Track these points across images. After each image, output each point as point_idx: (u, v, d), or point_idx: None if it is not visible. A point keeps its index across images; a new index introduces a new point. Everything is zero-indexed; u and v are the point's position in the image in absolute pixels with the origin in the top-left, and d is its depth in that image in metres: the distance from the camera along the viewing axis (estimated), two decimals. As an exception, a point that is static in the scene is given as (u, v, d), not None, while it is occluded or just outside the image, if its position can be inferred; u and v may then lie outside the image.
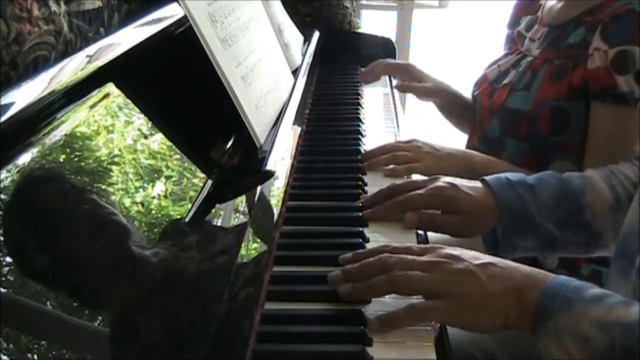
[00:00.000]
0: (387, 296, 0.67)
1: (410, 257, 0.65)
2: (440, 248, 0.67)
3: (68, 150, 0.56)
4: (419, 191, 0.83)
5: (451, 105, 1.34)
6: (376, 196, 0.86)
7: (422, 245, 0.69)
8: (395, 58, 1.62)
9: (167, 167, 0.68)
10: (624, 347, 0.53)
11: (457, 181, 0.83)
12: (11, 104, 0.50)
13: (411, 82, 1.34)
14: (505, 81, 1.13)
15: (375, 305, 0.67)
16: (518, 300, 0.61)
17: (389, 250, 0.68)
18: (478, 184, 0.84)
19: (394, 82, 1.43)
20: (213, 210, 0.70)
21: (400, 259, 0.65)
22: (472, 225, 0.82)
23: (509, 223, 0.81)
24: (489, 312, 0.62)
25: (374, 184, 0.95)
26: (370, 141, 1.12)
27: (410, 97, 1.40)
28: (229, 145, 0.82)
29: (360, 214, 0.84)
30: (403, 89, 1.35)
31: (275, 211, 0.81)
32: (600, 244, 0.83)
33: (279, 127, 0.89)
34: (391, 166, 1.00)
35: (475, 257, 0.65)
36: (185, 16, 0.78)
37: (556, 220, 0.81)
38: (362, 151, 1.06)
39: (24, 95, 0.53)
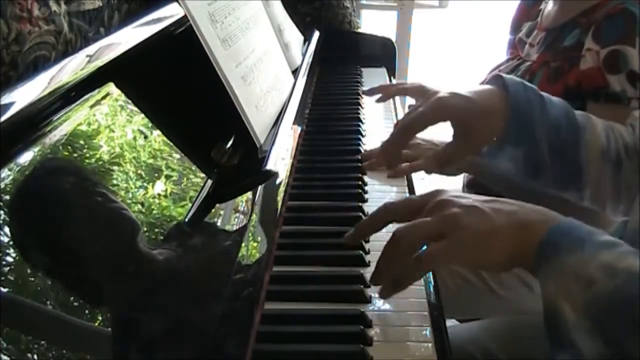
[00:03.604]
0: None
1: (418, 221, 0.61)
2: (442, 192, 0.63)
3: (68, 150, 0.56)
4: (419, 109, 0.78)
5: None
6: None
7: (423, 195, 0.65)
8: (395, 58, 1.62)
9: (167, 166, 0.68)
10: (627, 295, 0.51)
11: (460, 89, 0.78)
12: (11, 104, 0.51)
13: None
14: None
15: (375, 304, 0.67)
16: (525, 234, 0.58)
17: (391, 208, 0.65)
18: (488, 86, 0.80)
19: (394, 82, 1.43)
20: (213, 210, 0.70)
21: (411, 227, 0.60)
22: (483, 133, 0.78)
23: (511, 123, 0.77)
24: (495, 245, 0.58)
25: (374, 183, 0.95)
26: (370, 141, 1.12)
27: (410, 97, 1.39)
28: (229, 145, 0.82)
29: (360, 213, 0.84)
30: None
31: (275, 211, 0.81)
32: (579, 184, 0.80)
33: (279, 127, 0.89)
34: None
35: (478, 197, 0.62)
36: (185, 16, 0.78)
37: (552, 142, 0.78)
38: (362, 151, 1.06)
39: (24, 95, 0.53)
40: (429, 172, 0.90)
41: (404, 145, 0.80)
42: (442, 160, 0.81)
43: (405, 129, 0.79)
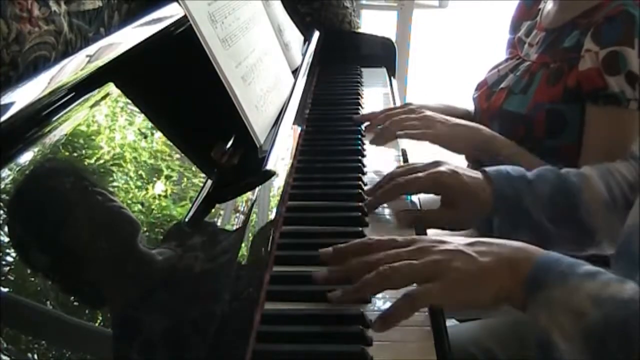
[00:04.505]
0: (384, 294, 0.67)
1: (394, 250, 0.64)
2: (425, 238, 0.66)
3: (68, 150, 0.56)
4: (418, 174, 0.83)
5: None
6: (378, 184, 0.87)
7: (406, 237, 0.67)
8: (395, 58, 1.62)
9: (168, 167, 0.68)
10: (616, 323, 0.53)
11: (459, 169, 0.84)
12: (11, 104, 0.51)
13: None
14: (503, 85, 1.14)
15: (375, 304, 0.67)
16: (511, 271, 0.60)
17: (373, 243, 0.67)
18: (478, 173, 0.84)
19: (394, 84, 1.43)
20: (213, 210, 0.70)
21: (385, 254, 0.64)
22: (467, 216, 0.83)
23: (504, 215, 0.81)
24: (484, 285, 0.60)
25: (374, 184, 0.95)
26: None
27: (410, 97, 1.40)
28: (229, 145, 0.82)
29: (360, 214, 0.84)
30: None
31: (275, 211, 0.81)
32: (594, 241, 0.83)
33: (279, 127, 0.89)
34: (406, 130, 1.02)
35: (461, 239, 0.64)
36: (185, 16, 0.78)
37: (551, 215, 0.81)
38: (362, 151, 1.06)
39: (24, 95, 0.53)
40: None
41: (389, 199, 0.86)
42: (421, 222, 0.85)
43: (397, 188, 0.84)
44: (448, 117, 1.06)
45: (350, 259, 0.66)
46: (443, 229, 0.90)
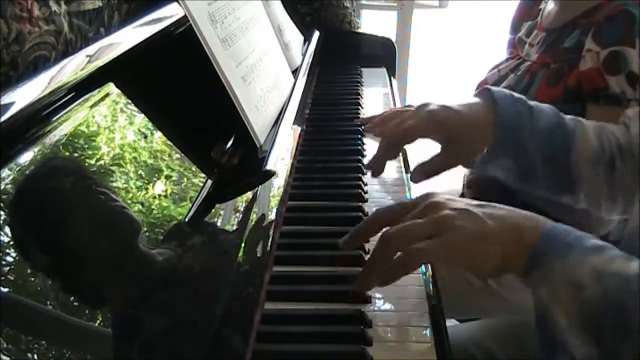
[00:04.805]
0: (384, 294, 0.67)
1: (410, 222, 0.61)
2: (434, 195, 0.63)
3: (68, 150, 0.56)
4: (410, 121, 0.80)
5: None
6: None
7: (415, 198, 0.65)
8: (395, 58, 1.62)
9: (168, 167, 0.68)
10: (616, 299, 0.51)
11: (449, 102, 0.80)
12: (11, 104, 0.51)
13: None
14: (503, 85, 1.14)
15: (375, 304, 0.67)
16: (516, 239, 0.58)
17: (383, 213, 0.65)
18: (477, 99, 0.81)
19: (394, 83, 1.43)
20: (213, 210, 0.70)
21: (403, 227, 0.60)
22: (470, 146, 0.80)
23: (500, 136, 0.78)
24: (487, 248, 0.58)
25: (374, 184, 0.95)
26: (370, 141, 1.12)
27: (410, 97, 1.40)
28: (229, 145, 0.82)
29: (360, 214, 0.84)
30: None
31: (275, 211, 0.81)
32: (573, 190, 0.81)
33: (279, 127, 0.89)
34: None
35: (470, 201, 0.62)
36: (185, 16, 0.78)
37: (543, 151, 0.79)
38: (362, 151, 1.06)
39: (24, 95, 0.53)
40: (415, 182, 0.90)
41: (392, 158, 0.84)
42: (428, 171, 0.83)
43: (396, 142, 0.82)
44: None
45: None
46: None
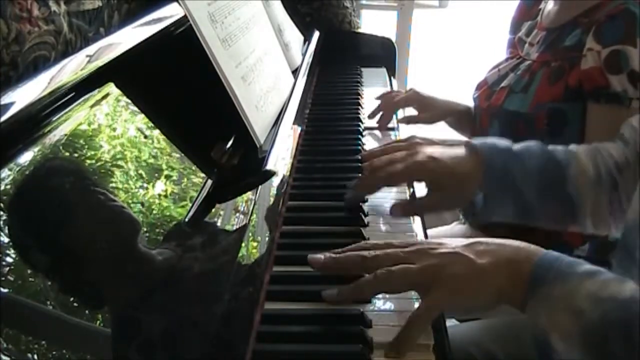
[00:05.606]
0: (384, 294, 0.67)
1: (392, 250, 0.63)
2: (422, 240, 0.66)
3: (68, 150, 0.56)
4: (396, 166, 0.82)
5: (460, 121, 1.33)
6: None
7: (402, 241, 0.66)
8: (395, 58, 1.62)
9: (168, 166, 0.68)
10: (615, 322, 0.53)
11: (438, 152, 0.82)
12: (11, 104, 0.50)
13: (420, 109, 1.29)
14: (503, 84, 1.14)
15: (375, 304, 0.67)
16: (509, 273, 0.59)
17: (369, 247, 0.66)
18: (461, 148, 0.83)
19: (394, 84, 1.43)
20: (213, 210, 0.70)
21: (384, 252, 0.63)
22: (457, 194, 0.82)
23: (491, 187, 0.80)
24: (483, 287, 0.60)
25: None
26: (370, 141, 1.12)
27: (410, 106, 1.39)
28: (229, 145, 0.82)
29: (360, 213, 0.84)
30: (409, 122, 1.29)
31: (275, 211, 0.80)
32: (577, 218, 0.82)
33: (279, 127, 0.89)
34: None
35: (459, 241, 0.63)
36: (185, 16, 0.78)
37: (537, 188, 0.80)
38: (362, 151, 1.06)
39: (24, 95, 0.53)
40: (392, 215, 0.89)
41: (372, 192, 0.87)
42: (409, 211, 0.85)
43: (380, 180, 0.84)
44: (437, 140, 1.03)
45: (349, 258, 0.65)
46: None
